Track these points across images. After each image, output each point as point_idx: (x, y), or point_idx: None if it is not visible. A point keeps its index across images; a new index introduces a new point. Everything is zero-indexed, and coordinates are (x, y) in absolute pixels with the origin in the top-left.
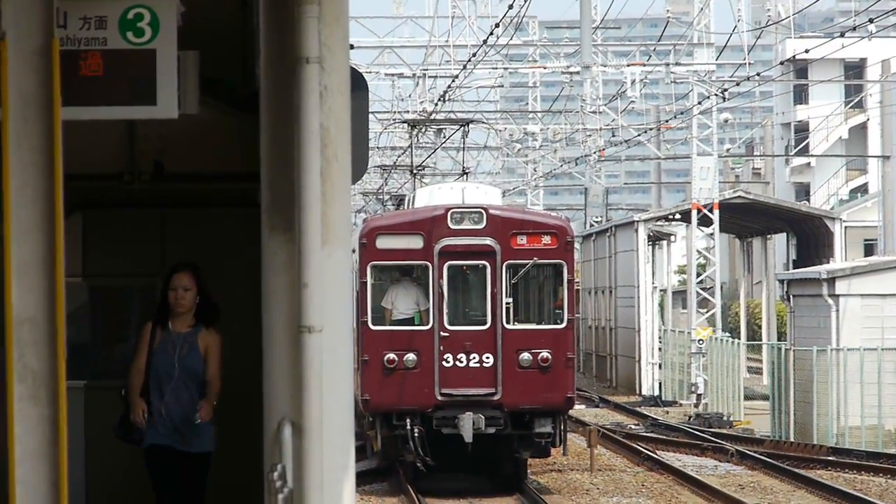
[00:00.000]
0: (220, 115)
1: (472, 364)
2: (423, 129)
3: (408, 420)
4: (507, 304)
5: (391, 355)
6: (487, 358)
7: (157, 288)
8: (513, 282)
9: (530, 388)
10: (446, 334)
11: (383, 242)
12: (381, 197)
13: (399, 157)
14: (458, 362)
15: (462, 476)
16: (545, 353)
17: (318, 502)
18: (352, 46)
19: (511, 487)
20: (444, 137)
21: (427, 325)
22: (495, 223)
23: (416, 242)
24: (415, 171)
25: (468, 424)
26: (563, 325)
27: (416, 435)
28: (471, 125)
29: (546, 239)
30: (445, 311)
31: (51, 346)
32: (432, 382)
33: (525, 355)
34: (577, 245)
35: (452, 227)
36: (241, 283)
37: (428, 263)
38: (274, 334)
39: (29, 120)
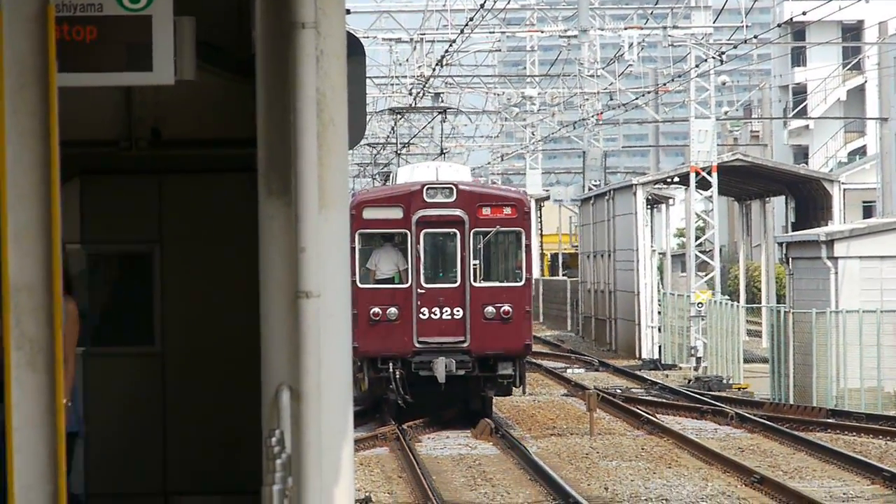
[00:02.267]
0: (217, 81)
1: (444, 316)
2: (405, 115)
3: (390, 364)
4: (474, 265)
5: (376, 309)
6: (458, 311)
7: (156, 254)
8: (479, 246)
9: (494, 337)
10: (422, 291)
11: (369, 213)
12: (371, 172)
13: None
14: (432, 315)
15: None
16: (506, 307)
17: (316, 467)
18: (348, 11)
19: (477, 421)
20: (426, 124)
21: (406, 283)
22: (464, 197)
23: (396, 213)
24: (398, 151)
25: (441, 367)
26: (522, 282)
27: (397, 377)
28: (468, 89)
29: (507, 210)
30: (422, 271)
31: (48, 313)
32: (411, 332)
33: (489, 308)
34: (535, 213)
35: (428, 200)
36: (239, 248)
37: (407, 231)
38: (272, 299)
39: (25, 86)
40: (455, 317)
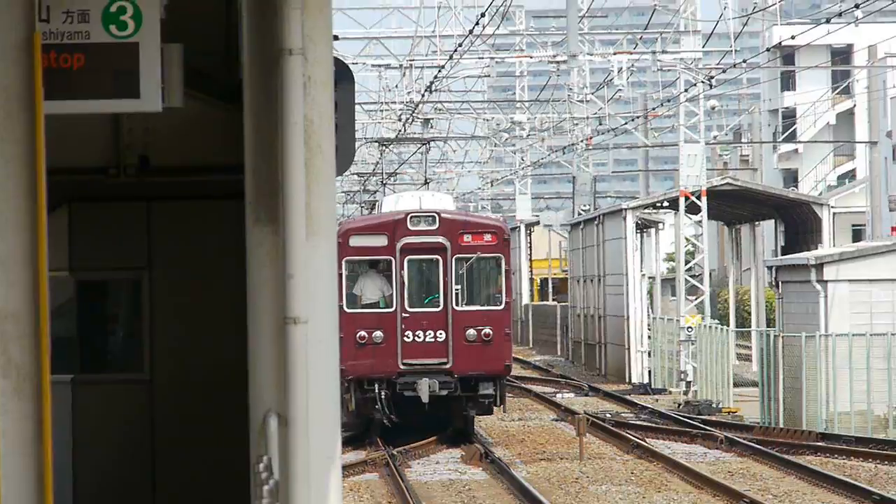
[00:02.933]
0: (205, 108)
1: (428, 339)
2: (394, 142)
3: (376, 385)
4: (456, 290)
5: (362, 332)
6: (440, 334)
7: (145, 280)
8: (460, 272)
9: (476, 358)
10: (407, 315)
11: (355, 241)
12: (360, 199)
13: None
14: (416, 338)
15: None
16: (487, 330)
17: (304, 493)
18: (336, 38)
19: (461, 440)
20: (411, 154)
21: (391, 307)
22: (446, 224)
23: (381, 241)
24: (384, 181)
25: (425, 388)
26: (502, 306)
27: (383, 397)
28: (457, 115)
29: (487, 237)
30: (406, 296)
31: (35, 340)
32: (396, 354)
33: (471, 331)
34: (525, 239)
35: (411, 228)
36: (228, 274)
37: (391, 258)
38: (259, 326)
39: (11, 114)
40: (438, 339)
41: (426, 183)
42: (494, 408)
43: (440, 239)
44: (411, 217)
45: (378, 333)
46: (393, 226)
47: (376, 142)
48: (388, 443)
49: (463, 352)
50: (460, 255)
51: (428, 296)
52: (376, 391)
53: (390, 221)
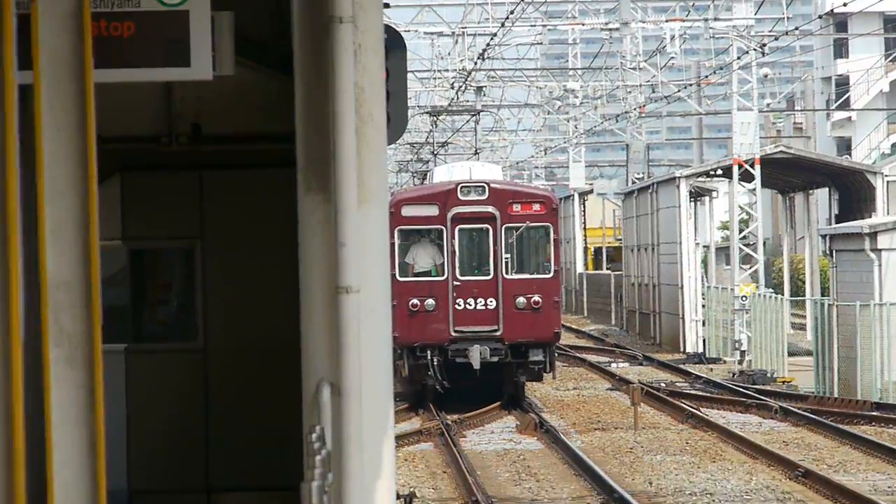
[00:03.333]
0: (256, 76)
1: (478, 307)
2: (444, 112)
3: (428, 352)
4: (506, 258)
5: (415, 300)
6: (491, 302)
7: (197, 250)
8: (510, 241)
9: (525, 325)
10: (458, 283)
11: (407, 211)
12: (413, 168)
13: (428, 135)
14: (467, 305)
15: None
16: (536, 297)
17: (357, 463)
18: (386, 5)
19: (512, 405)
20: (461, 125)
21: (442, 276)
22: (496, 194)
23: (432, 211)
24: (435, 152)
25: (476, 354)
26: (551, 274)
27: (435, 364)
28: (510, 83)
29: (536, 206)
30: (457, 265)
31: (86, 310)
32: (447, 321)
33: (521, 299)
34: (578, 207)
35: (462, 198)
36: (280, 243)
37: (442, 227)
38: (311, 295)
39: (61, 82)
40: (488, 307)
41: (476, 153)
42: (544, 374)
43: (490, 209)
44: (461, 187)
45: (430, 301)
46: (444, 196)
47: (427, 112)
48: (441, 409)
49: (513, 319)
50: (510, 225)
51: (478, 264)
52: (428, 358)
53: (441, 192)
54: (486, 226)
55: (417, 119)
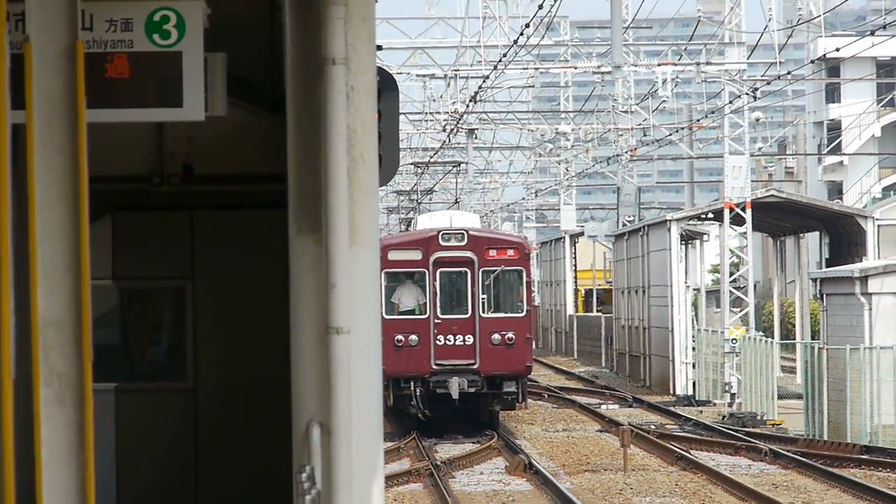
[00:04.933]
0: (248, 117)
1: (457, 342)
2: (428, 164)
3: (412, 383)
4: (483, 299)
5: (400, 336)
6: (469, 338)
7: (188, 290)
8: (486, 283)
9: (500, 360)
10: (439, 321)
11: (393, 255)
12: (400, 215)
13: (432, 156)
14: (447, 341)
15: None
16: (510, 334)
17: (347, 503)
18: (379, 47)
19: (508, 451)
20: (443, 175)
21: (425, 314)
22: (473, 241)
23: (416, 255)
24: (419, 201)
25: (455, 386)
26: (524, 313)
27: (417, 394)
28: (502, 125)
29: (510, 252)
30: (438, 304)
31: (77, 349)
32: (429, 355)
33: (496, 335)
34: (569, 249)
35: (443, 244)
36: (271, 284)
37: (425, 270)
38: (302, 335)
39: (54, 122)
40: (466, 343)
41: (457, 202)
42: (517, 404)
43: (468, 254)
44: (443, 234)
45: (413, 337)
46: (427, 242)
47: (412, 164)
48: (429, 447)
49: (489, 354)
50: (486, 268)
51: (457, 304)
52: (412, 388)
53: (424, 238)
54: (464, 269)
55: (403, 168)
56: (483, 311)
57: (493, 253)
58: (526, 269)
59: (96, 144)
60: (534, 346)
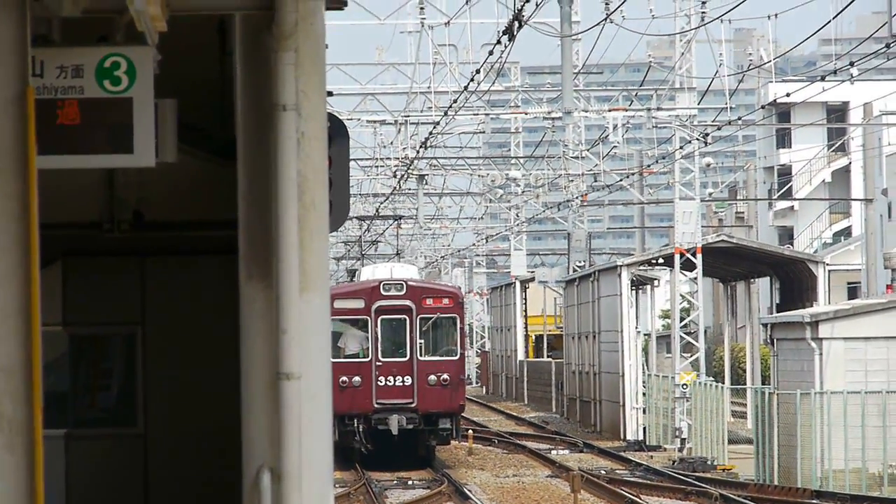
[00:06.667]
0: (199, 163)
1: (397, 383)
2: (371, 219)
3: (355, 420)
4: (420, 343)
5: (344, 378)
6: (407, 379)
7: (138, 335)
8: (424, 329)
9: (436, 398)
10: (380, 363)
11: (338, 304)
12: (345, 266)
13: (381, 203)
14: (388, 382)
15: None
16: (445, 375)
17: None
18: (330, 93)
19: (424, 464)
20: (384, 228)
21: (367, 357)
22: (412, 290)
23: (359, 304)
24: (363, 253)
25: (395, 422)
26: (458, 357)
27: (360, 430)
28: (452, 171)
29: (445, 300)
30: (379, 348)
31: (27, 395)
32: (371, 395)
33: (432, 377)
34: (520, 295)
35: (384, 293)
36: (221, 329)
37: (368, 318)
38: (252, 381)
39: (4, 169)
40: (405, 383)
41: (398, 254)
42: (451, 439)
43: (407, 302)
44: (384, 284)
45: (357, 378)
46: (369, 292)
47: (356, 218)
48: (365, 469)
49: (426, 393)
50: (423, 315)
51: (397, 348)
52: (355, 425)
53: (367, 288)
54: (403, 316)
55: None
56: (420, 355)
57: (429, 301)
58: (460, 316)
59: (46, 191)
60: (485, 391)
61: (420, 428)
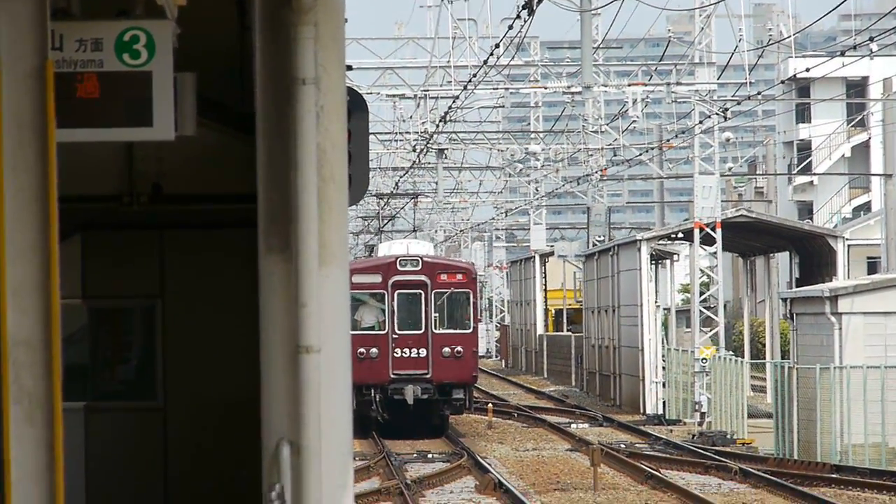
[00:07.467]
0: (218, 137)
1: (412, 355)
2: (389, 196)
3: (372, 390)
4: (435, 317)
5: (362, 349)
6: (422, 351)
7: (158, 309)
8: (438, 303)
9: (449, 370)
10: (396, 336)
11: (356, 279)
12: (363, 241)
13: (401, 177)
14: (404, 353)
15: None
16: (459, 348)
17: None
18: (349, 67)
19: (438, 433)
20: (408, 200)
21: (384, 330)
22: (427, 266)
23: (377, 278)
24: (381, 229)
25: (410, 393)
26: (470, 330)
27: (377, 399)
28: (472, 145)
29: (459, 276)
30: (395, 321)
31: (47, 368)
32: (388, 366)
33: (446, 349)
34: (539, 269)
35: (400, 269)
36: (241, 303)
37: (385, 292)
38: (272, 354)
39: (23, 143)
40: (420, 355)
41: (414, 231)
42: (464, 409)
43: (422, 277)
44: (400, 260)
45: (374, 350)
46: (386, 267)
47: (375, 195)
48: (383, 437)
49: (440, 365)
50: (438, 290)
51: (412, 321)
52: (372, 395)
53: (384, 263)
54: (419, 291)
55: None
56: (435, 328)
57: (444, 277)
58: (473, 291)
59: (66, 164)
60: (504, 365)
61: (434, 398)
